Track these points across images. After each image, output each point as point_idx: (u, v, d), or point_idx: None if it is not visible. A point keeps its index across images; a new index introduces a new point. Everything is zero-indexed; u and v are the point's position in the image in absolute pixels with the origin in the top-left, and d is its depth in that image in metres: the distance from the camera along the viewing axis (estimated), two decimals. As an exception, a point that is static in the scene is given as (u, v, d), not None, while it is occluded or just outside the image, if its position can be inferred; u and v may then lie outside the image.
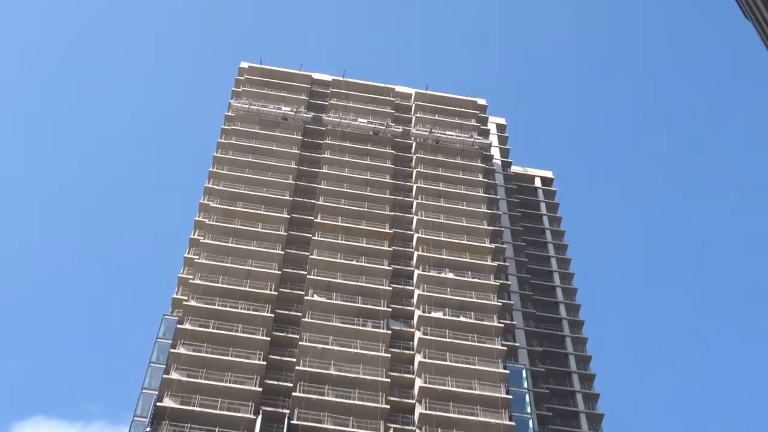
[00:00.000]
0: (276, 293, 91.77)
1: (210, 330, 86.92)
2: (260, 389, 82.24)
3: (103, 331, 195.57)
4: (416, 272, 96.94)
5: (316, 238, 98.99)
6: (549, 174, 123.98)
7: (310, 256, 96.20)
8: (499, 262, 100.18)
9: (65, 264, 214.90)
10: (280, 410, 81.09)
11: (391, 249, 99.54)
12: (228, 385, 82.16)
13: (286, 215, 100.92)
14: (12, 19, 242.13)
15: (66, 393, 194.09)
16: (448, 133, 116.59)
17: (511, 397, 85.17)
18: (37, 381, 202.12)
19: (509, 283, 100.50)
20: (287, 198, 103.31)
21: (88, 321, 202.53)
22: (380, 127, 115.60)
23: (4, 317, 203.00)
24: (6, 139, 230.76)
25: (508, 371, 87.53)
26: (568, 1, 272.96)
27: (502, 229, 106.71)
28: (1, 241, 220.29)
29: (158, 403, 79.73)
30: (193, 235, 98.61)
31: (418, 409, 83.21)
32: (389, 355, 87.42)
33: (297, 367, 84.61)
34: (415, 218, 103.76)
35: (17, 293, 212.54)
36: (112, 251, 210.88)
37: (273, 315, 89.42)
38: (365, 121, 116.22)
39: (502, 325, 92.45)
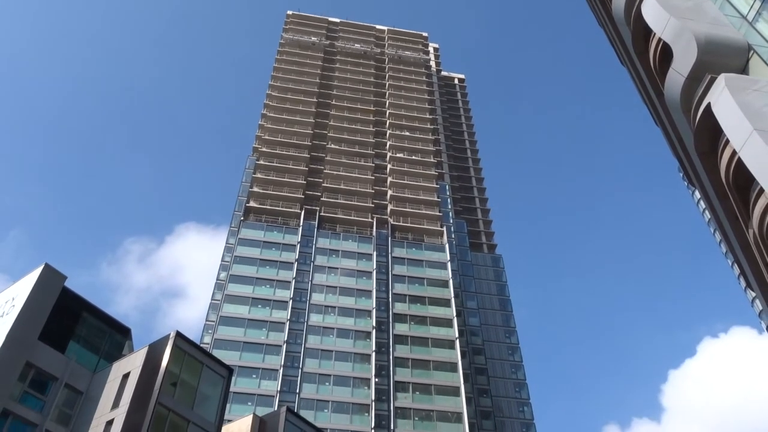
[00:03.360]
0: (310, 143, 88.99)
1: (274, 164, 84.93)
2: (303, 196, 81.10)
3: (209, 163, 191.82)
4: (388, 132, 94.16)
5: (333, 113, 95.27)
6: (462, 76, 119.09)
7: (329, 123, 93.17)
8: (434, 126, 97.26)
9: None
10: (314, 208, 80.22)
11: (373, 120, 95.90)
12: (285, 194, 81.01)
13: (314, 99, 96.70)
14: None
15: (203, 206, 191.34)
16: (406, 52, 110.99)
17: (440, 200, 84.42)
18: (185, 194, 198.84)
19: (439, 137, 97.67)
20: (316, 83, 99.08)
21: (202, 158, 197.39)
22: (366, 48, 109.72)
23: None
24: None
25: (438, 185, 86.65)
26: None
27: (436, 108, 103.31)
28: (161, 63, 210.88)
29: (246, 204, 78.80)
30: (263, 111, 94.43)
31: (389, 207, 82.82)
32: (373, 178, 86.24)
33: (323, 184, 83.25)
34: (388, 102, 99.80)
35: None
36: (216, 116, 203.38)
37: (309, 156, 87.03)
38: (358, 45, 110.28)
39: (435, 161, 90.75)
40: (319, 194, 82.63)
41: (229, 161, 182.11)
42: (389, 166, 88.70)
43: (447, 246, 77.84)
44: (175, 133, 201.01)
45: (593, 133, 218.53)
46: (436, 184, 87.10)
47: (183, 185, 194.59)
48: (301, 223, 77.25)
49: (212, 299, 69.54)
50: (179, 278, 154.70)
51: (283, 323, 65.91)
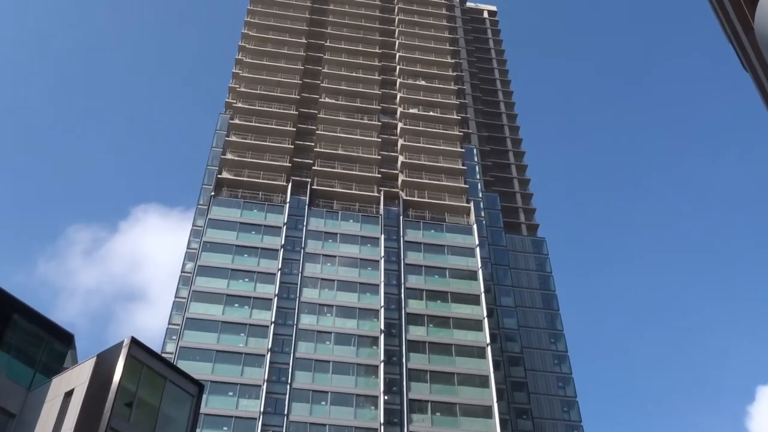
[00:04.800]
0: (299, 97, 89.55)
1: (253, 123, 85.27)
2: (290, 165, 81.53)
3: (172, 126, 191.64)
4: (398, 81, 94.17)
5: (327, 57, 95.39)
6: (494, 8, 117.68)
7: (323, 70, 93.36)
8: (457, 73, 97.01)
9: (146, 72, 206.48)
10: (304, 179, 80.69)
11: (379, 66, 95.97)
12: (267, 162, 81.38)
13: (303, 40, 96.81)
14: None
15: (164, 181, 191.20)
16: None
17: (465, 167, 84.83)
18: (141, 172, 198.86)
19: (465, 87, 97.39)
20: (306, 18, 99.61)
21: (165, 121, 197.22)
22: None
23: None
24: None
25: (463, 150, 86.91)
26: None
27: (460, 49, 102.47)
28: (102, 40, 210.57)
29: (218, 176, 79.21)
30: (238, 56, 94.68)
31: (401, 177, 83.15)
32: (380, 140, 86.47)
33: (315, 149, 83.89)
34: (398, 42, 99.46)
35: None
36: (180, 65, 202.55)
37: (297, 112, 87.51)
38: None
39: (459, 118, 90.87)
40: (311, 162, 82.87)
41: (196, 122, 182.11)
42: (400, 125, 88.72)
43: (475, 227, 78.00)
44: (127, 91, 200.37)
45: (663, 83, 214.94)
46: (461, 147, 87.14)
47: (140, 156, 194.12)
48: (287, 199, 77.49)
49: (176, 297, 70.20)
50: (137, 275, 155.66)
51: (267, 327, 66.46)
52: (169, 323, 68.29)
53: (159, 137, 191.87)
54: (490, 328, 69.33)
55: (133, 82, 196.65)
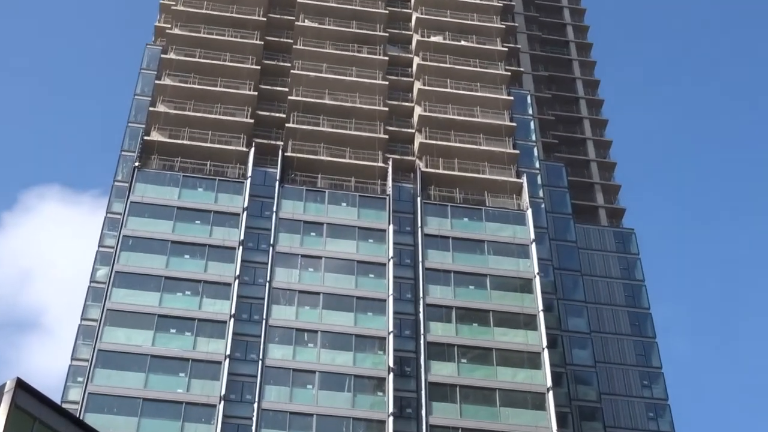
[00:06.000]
0: (265, 19, 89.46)
1: (196, 59, 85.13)
2: (252, 121, 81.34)
3: (76, 71, 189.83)
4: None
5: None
6: None
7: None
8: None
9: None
10: (274, 142, 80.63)
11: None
12: (218, 117, 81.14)
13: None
14: None
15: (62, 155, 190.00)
16: None
17: (515, 124, 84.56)
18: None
19: (513, 3, 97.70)
20: None
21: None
22: None
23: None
24: None
25: (512, 97, 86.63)
26: None
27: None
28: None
29: (145, 137, 78.82)
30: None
31: (418, 139, 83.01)
32: (386, 83, 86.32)
33: (289, 97, 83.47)
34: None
35: None
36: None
37: (262, 42, 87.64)
38: None
39: (506, 49, 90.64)
40: (283, 116, 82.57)
41: (112, 59, 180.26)
42: (417, 61, 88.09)
43: (530, 213, 77.55)
44: (11, 23, 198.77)
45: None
46: (507, 92, 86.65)
47: (30, 115, 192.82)
48: (249, 173, 77.11)
49: (83, 319, 70.31)
50: (29, 290, 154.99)
51: (218, 363, 66.13)
52: (72, 358, 68.35)
53: (57, 85, 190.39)
54: (552, 365, 68.67)
55: (31, 10, 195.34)
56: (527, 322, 70.98)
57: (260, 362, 66.26)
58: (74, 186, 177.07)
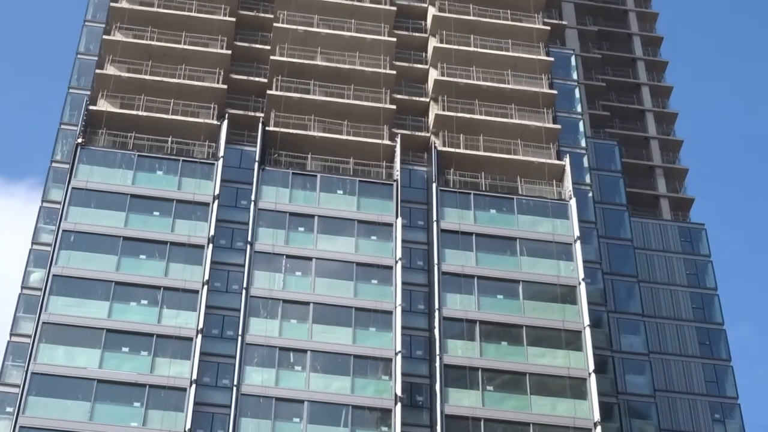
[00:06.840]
0: None
1: (155, 9, 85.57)
2: (224, 87, 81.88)
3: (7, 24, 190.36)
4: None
5: None
6: None
7: None
8: None
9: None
10: (252, 113, 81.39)
11: None
12: (182, 81, 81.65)
13: None
14: None
15: None
16: None
17: (555, 91, 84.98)
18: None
19: None
20: None
21: None
22: None
23: None
24: None
25: (552, 58, 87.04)
26: None
27: None
28: None
29: (91, 107, 79.07)
30: None
31: (434, 110, 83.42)
32: (394, 39, 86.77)
33: (272, 57, 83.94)
34: None
35: None
36: None
37: None
38: None
39: None
40: (265, 81, 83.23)
41: (52, 10, 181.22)
42: (432, 12, 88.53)
43: (574, 203, 78.11)
44: None
45: None
46: (547, 52, 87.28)
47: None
48: (221, 151, 77.70)
49: (12, 335, 70.39)
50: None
51: (182, 390, 66.32)
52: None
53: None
54: (600, 394, 68.80)
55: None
56: (570, 340, 71.17)
57: (234, 389, 66.38)
58: (6, 174, 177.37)
